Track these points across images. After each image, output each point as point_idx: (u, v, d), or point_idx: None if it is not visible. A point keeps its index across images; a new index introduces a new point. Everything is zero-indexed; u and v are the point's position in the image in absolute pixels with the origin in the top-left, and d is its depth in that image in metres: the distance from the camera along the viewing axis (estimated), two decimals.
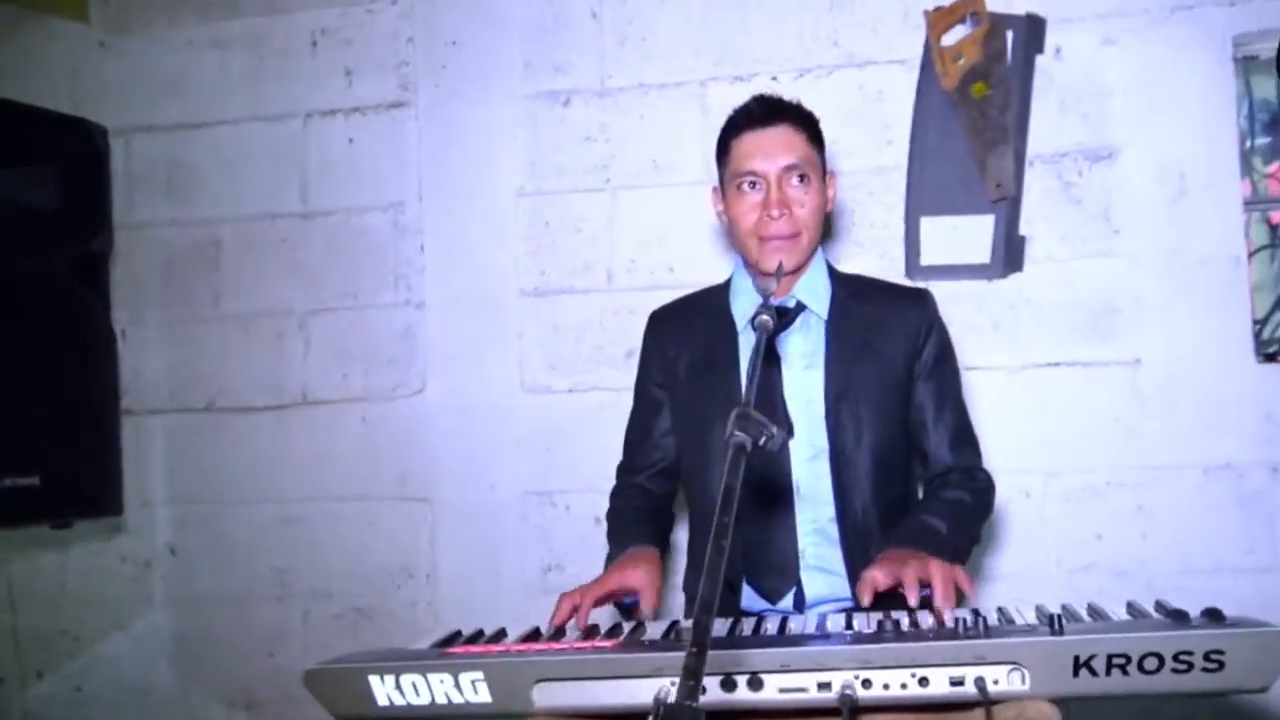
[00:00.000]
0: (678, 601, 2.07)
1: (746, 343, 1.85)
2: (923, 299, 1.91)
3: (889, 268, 2.65)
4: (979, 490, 1.85)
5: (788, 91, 2.76)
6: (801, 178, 1.78)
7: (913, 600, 1.50)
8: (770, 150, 1.78)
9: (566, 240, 2.91)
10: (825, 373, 1.80)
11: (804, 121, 1.84)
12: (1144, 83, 2.62)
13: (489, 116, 2.96)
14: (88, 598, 3.02)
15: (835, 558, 1.78)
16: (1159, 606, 1.36)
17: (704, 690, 0.89)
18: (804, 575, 1.78)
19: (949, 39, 2.71)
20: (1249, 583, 2.46)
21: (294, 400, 3.00)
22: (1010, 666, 1.26)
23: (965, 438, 1.88)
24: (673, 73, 2.88)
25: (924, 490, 1.91)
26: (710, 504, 1.79)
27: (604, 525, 2.01)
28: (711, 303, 1.95)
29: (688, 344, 1.92)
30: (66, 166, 2.33)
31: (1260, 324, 2.61)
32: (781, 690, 1.29)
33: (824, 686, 1.28)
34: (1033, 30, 2.64)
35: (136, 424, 2.98)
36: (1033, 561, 2.58)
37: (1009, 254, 2.62)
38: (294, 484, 2.98)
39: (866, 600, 1.54)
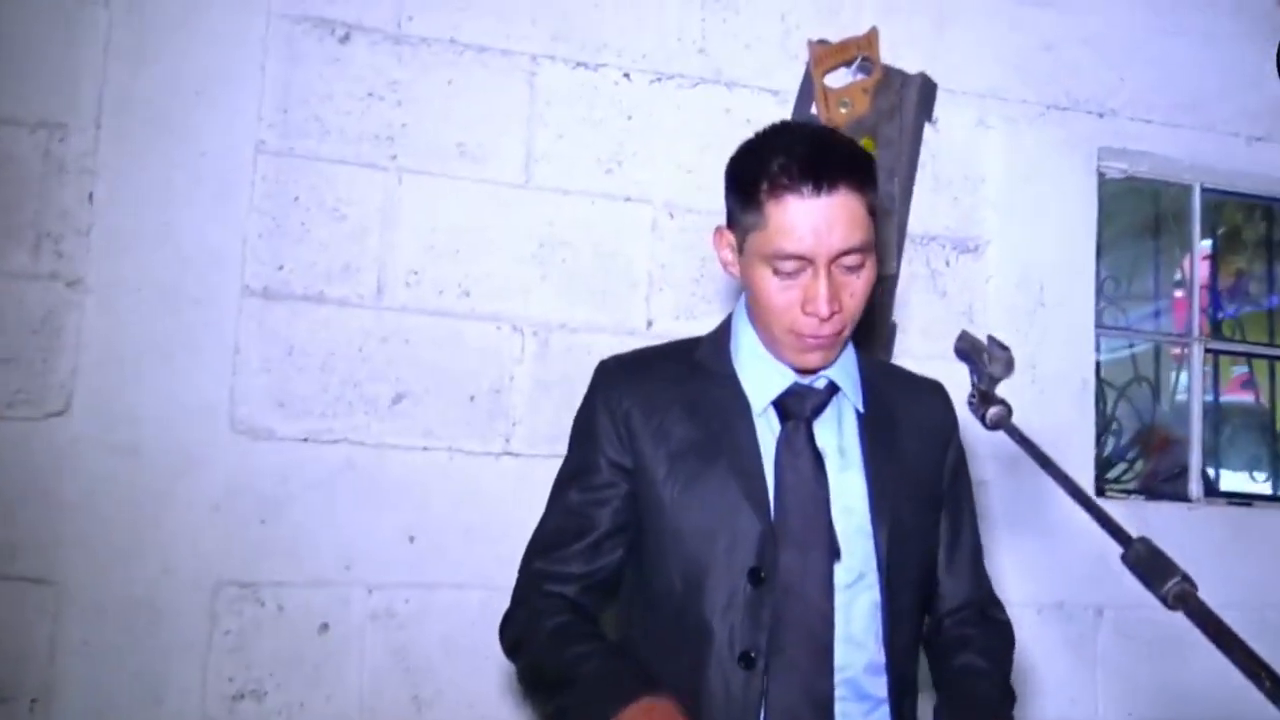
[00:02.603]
0: None
1: (766, 428, 1.35)
2: (943, 391, 1.51)
3: None
4: (1009, 636, 1.51)
5: (641, 97, 2.26)
6: (859, 263, 1.28)
7: None
8: (826, 229, 1.24)
9: (323, 228, 2.08)
10: (865, 475, 1.35)
11: (865, 177, 1.29)
12: (1013, 179, 2.43)
13: (226, 31, 2.06)
14: None
15: (863, 715, 1.32)
16: None
17: None
18: None
19: (834, 80, 2.32)
20: None
21: None
22: None
23: (982, 564, 1.52)
24: (497, 35, 2.20)
25: (938, 626, 1.47)
26: (704, 629, 1.30)
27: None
28: (701, 365, 1.41)
29: (676, 416, 1.37)
30: None
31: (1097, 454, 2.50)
32: None
33: None
34: (926, 93, 2.33)
35: None
36: None
37: (880, 341, 2.26)
38: None
39: None
